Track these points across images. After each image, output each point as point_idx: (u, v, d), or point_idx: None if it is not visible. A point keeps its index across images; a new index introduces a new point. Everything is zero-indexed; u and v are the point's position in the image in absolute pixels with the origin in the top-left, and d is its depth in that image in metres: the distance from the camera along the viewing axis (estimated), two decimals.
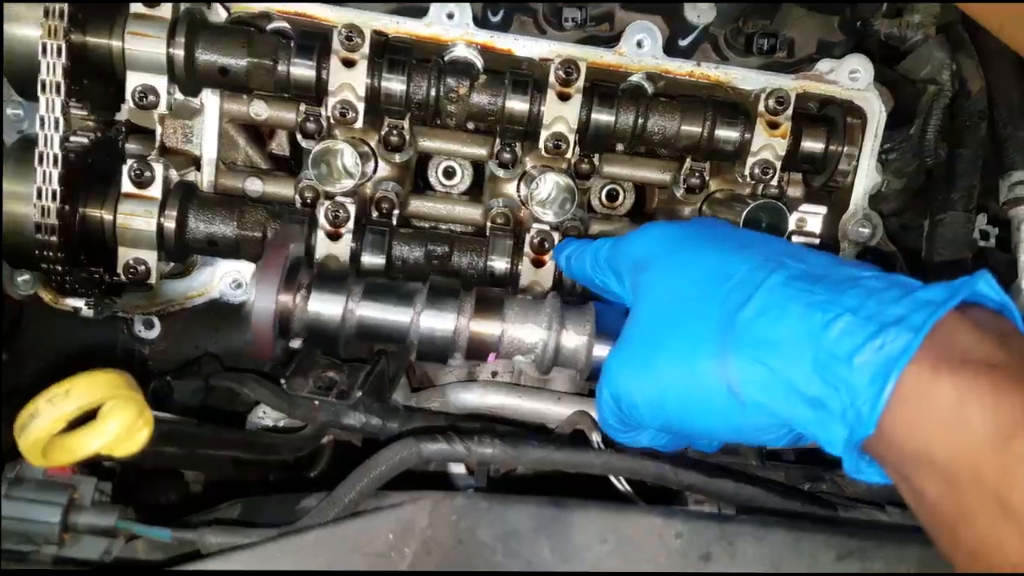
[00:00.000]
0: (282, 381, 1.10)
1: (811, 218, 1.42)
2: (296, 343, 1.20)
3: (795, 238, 1.42)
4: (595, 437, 1.28)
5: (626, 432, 1.03)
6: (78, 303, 1.35)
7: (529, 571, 0.89)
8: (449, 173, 1.54)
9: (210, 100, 1.33)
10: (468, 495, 0.89)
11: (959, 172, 1.35)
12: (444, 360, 1.19)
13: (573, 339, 1.13)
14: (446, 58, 1.32)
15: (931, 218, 1.40)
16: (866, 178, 1.38)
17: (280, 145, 1.55)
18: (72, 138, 1.18)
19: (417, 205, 1.45)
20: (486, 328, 1.13)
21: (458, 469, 1.40)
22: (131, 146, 1.38)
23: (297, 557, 0.83)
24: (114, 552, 0.86)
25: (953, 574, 0.74)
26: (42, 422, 0.71)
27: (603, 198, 1.56)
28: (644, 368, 0.91)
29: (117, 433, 0.75)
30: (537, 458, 0.97)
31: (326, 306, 1.11)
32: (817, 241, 1.43)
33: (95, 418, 0.76)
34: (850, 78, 1.36)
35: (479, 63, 1.33)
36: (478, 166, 1.52)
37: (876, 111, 1.36)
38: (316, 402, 1.21)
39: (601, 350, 1.12)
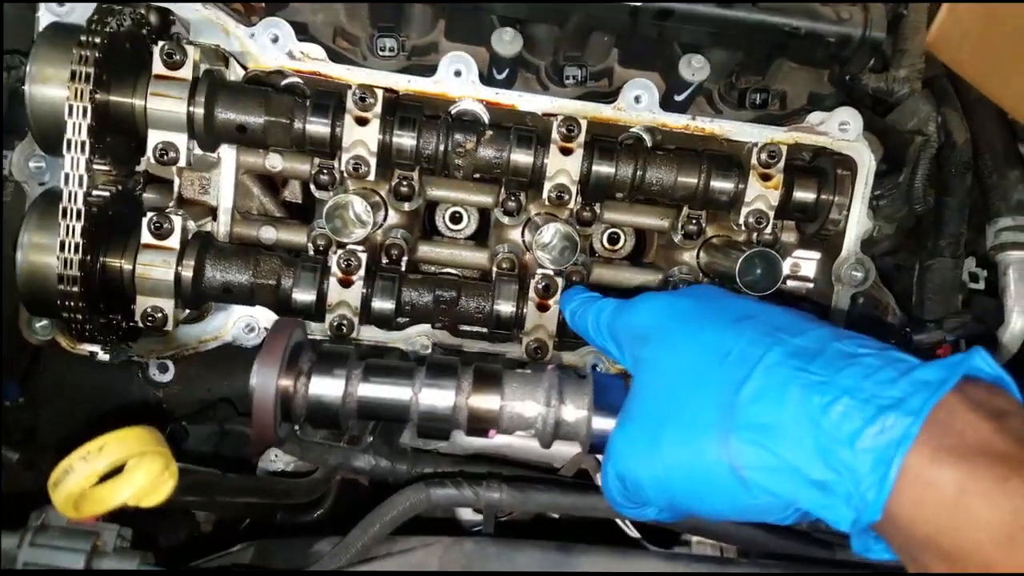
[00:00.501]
0: (296, 427, 1.13)
1: (805, 263, 1.47)
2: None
3: (790, 283, 1.46)
4: (599, 478, 1.31)
5: (632, 508, 1.02)
6: (94, 348, 1.39)
7: (532, 572, 0.90)
8: (456, 218, 1.59)
9: (227, 153, 1.39)
10: (477, 540, 0.92)
11: (946, 220, 1.40)
12: (446, 437, 1.19)
13: (573, 413, 1.13)
14: (453, 111, 1.38)
15: (920, 264, 1.45)
16: (858, 224, 1.43)
17: (293, 193, 1.61)
18: (94, 192, 1.23)
19: (425, 250, 1.50)
20: (485, 404, 1.13)
21: (465, 510, 1.43)
22: (149, 196, 1.43)
23: None
24: None
25: None
26: (76, 478, 0.75)
27: (604, 241, 1.61)
28: (648, 449, 0.91)
29: (144, 486, 0.78)
30: (544, 502, 1.00)
31: (327, 389, 1.11)
32: (811, 285, 1.48)
33: (122, 471, 0.80)
34: (840, 129, 1.42)
35: (485, 116, 1.39)
36: (484, 211, 1.57)
37: (866, 161, 1.41)
38: (328, 447, 1.24)
39: (601, 423, 1.12)
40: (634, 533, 1.27)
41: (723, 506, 0.87)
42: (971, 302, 1.49)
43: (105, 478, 0.79)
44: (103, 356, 1.39)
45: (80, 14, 1.28)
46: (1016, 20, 1.31)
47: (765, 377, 0.84)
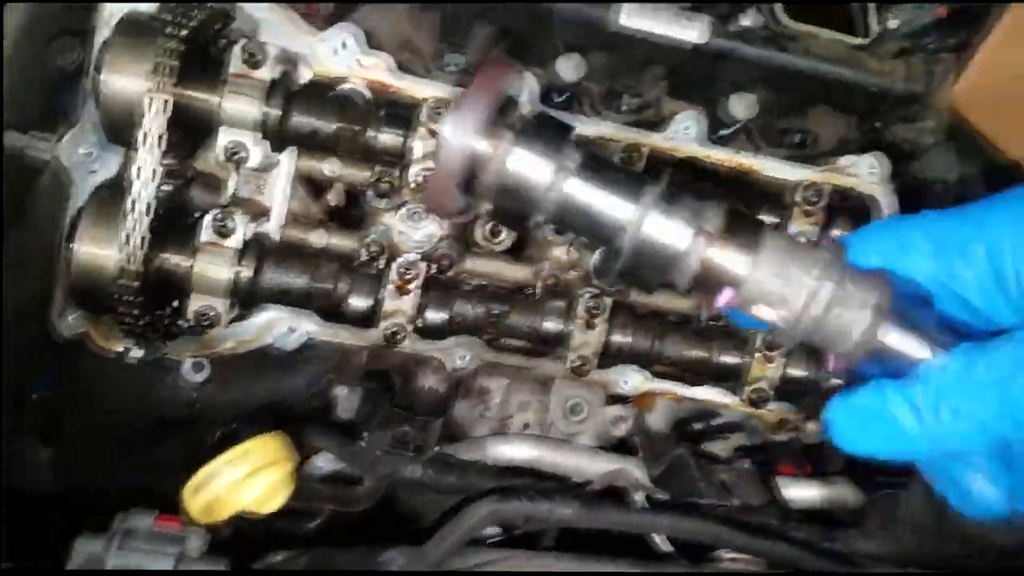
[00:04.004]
0: (365, 434, 1.14)
1: None
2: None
3: None
4: (638, 497, 1.36)
5: (888, 449, 0.82)
6: (127, 344, 1.36)
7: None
8: (495, 232, 1.61)
9: (286, 155, 1.38)
10: (557, 555, 0.95)
11: None
12: (658, 282, 0.88)
13: (854, 309, 0.79)
14: None
15: None
16: None
17: (335, 196, 1.60)
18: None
19: (469, 263, 1.52)
20: (730, 257, 0.82)
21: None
22: (196, 193, 1.41)
23: None
24: None
25: None
26: (222, 483, 0.75)
27: None
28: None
29: (266, 491, 0.79)
30: (615, 520, 1.04)
31: (530, 168, 0.83)
32: None
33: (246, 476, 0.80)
34: (868, 173, 1.51)
35: None
36: None
37: (891, 205, 1.51)
38: (378, 455, 1.25)
39: (894, 335, 0.81)
40: (667, 548, 1.31)
41: None
42: None
43: None
44: (136, 353, 1.36)
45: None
46: None
47: None
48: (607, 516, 1.04)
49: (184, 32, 1.15)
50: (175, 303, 1.34)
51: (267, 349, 1.43)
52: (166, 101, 1.14)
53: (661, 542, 1.31)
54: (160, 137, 1.16)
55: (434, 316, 1.36)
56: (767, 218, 1.44)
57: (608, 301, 1.42)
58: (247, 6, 1.31)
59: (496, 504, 1.03)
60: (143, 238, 1.17)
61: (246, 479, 0.79)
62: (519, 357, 1.50)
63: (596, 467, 1.50)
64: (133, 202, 1.16)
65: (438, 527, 1.02)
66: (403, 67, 1.39)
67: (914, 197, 1.59)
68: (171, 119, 1.19)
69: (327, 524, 1.40)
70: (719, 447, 1.64)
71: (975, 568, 1.42)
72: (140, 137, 1.15)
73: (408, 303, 1.35)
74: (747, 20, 1.44)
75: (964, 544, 1.41)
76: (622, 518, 1.05)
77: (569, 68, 1.38)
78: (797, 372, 1.50)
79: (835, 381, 1.50)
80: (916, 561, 1.40)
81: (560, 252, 1.51)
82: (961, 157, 1.57)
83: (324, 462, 1.29)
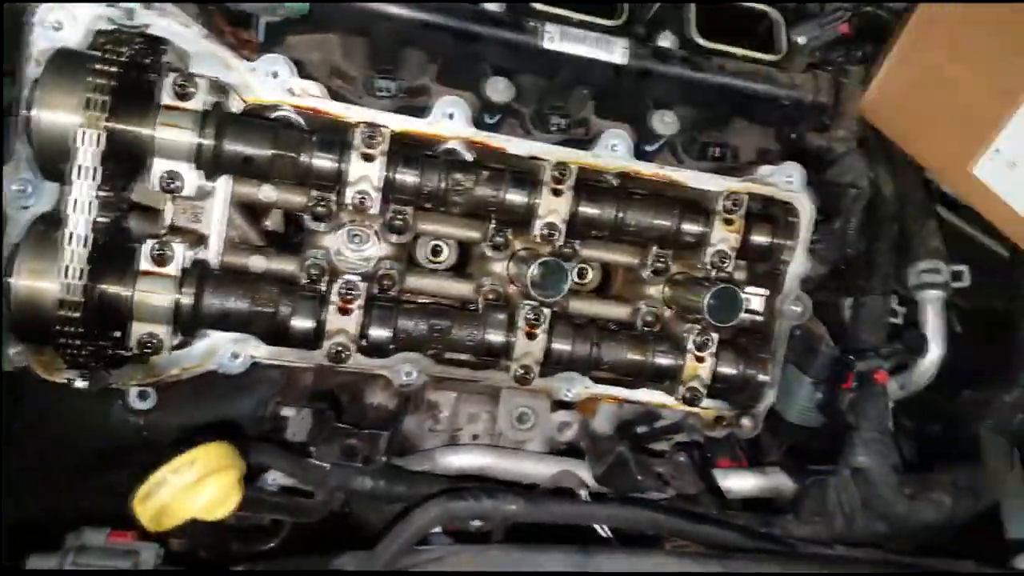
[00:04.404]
0: (312, 450, 1.16)
1: (754, 299, 1.64)
2: None
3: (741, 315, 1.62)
4: (583, 493, 1.41)
5: None
6: (71, 375, 1.36)
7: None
8: (436, 251, 1.66)
9: (222, 183, 1.41)
10: (502, 548, 0.99)
11: (878, 262, 1.62)
12: None
13: None
14: (440, 150, 1.46)
15: (856, 300, 1.65)
16: (798, 265, 1.61)
17: (274, 222, 1.63)
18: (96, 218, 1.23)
19: (412, 281, 1.57)
20: None
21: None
22: (134, 223, 1.43)
23: None
24: None
25: None
26: (169, 490, 0.77)
27: (575, 275, 1.73)
28: None
29: (215, 498, 0.81)
30: (558, 513, 1.09)
31: None
32: (760, 318, 1.65)
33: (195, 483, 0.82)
34: (786, 181, 1.60)
35: (468, 156, 1.48)
36: (462, 244, 1.66)
37: (808, 210, 1.60)
38: (328, 468, 1.28)
39: None
40: (607, 534, 1.35)
41: None
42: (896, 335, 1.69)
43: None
44: (81, 383, 1.36)
45: (72, 36, 1.28)
46: (936, 94, 1.55)
47: None
48: (550, 509, 1.10)
49: (114, 67, 1.17)
50: (117, 332, 1.35)
51: (212, 374, 1.44)
52: (99, 135, 1.17)
53: (604, 531, 1.36)
54: (94, 170, 1.18)
55: (378, 334, 1.40)
56: (691, 227, 1.51)
57: (547, 311, 1.47)
58: (177, 40, 1.33)
59: (445, 503, 1.07)
60: (82, 269, 1.19)
61: (194, 486, 0.82)
62: (465, 370, 1.54)
63: (542, 471, 1.56)
64: (70, 234, 1.18)
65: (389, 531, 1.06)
66: (335, 93, 1.44)
67: (830, 201, 1.70)
68: (105, 152, 1.21)
69: (284, 541, 1.42)
70: (661, 447, 1.71)
71: (901, 546, 1.50)
72: (75, 171, 1.17)
73: (351, 322, 1.38)
74: (665, 41, 1.54)
75: (891, 524, 1.50)
76: (564, 510, 1.10)
77: (498, 91, 1.44)
78: (727, 370, 1.57)
79: (762, 378, 1.59)
80: (848, 541, 1.48)
81: (500, 267, 1.57)
82: (873, 163, 1.68)
83: (275, 478, 1.31)
